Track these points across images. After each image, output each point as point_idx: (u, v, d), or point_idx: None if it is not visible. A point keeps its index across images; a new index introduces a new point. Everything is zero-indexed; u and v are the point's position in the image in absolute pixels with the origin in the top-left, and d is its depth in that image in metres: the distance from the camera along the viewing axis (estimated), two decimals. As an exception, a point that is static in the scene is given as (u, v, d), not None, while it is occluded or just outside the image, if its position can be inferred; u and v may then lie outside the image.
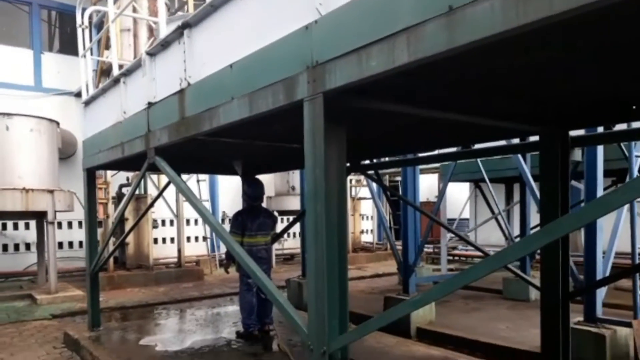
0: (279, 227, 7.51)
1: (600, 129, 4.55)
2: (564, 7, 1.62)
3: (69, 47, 12.12)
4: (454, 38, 1.91)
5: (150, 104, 4.44)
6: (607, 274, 4.86)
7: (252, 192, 5.77)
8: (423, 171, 13.14)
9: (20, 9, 12.38)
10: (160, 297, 9.24)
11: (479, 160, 8.86)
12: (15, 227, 11.68)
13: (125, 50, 9.59)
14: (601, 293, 4.81)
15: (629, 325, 4.63)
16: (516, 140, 5.77)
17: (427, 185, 16.10)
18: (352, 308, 6.22)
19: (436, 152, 6.29)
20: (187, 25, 3.78)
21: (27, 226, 11.61)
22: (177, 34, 3.91)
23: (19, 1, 12.25)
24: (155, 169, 4.63)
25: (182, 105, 3.91)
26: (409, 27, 2.08)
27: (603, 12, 1.64)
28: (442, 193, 8.73)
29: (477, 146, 5.43)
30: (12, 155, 8.79)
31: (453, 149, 6.62)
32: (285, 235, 9.59)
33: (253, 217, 5.67)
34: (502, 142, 5.90)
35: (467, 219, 16.84)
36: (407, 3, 2.10)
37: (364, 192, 15.15)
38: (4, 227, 11.54)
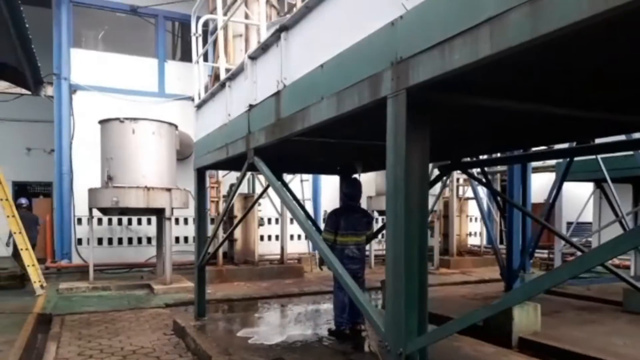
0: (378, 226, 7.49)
1: None
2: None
3: (189, 55, 13.14)
4: (538, 26, 1.79)
5: (251, 106, 4.68)
6: None
7: (350, 191, 5.81)
8: (538, 170, 12.27)
9: (147, 21, 13.68)
10: (262, 291, 9.67)
11: (599, 157, 8.08)
12: (139, 222, 12.93)
13: (238, 55, 10.12)
14: None
15: None
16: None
17: (543, 185, 15.01)
18: (449, 313, 6.08)
19: (546, 148, 5.83)
20: (284, 28, 3.93)
21: (148, 221, 12.79)
22: (275, 37, 4.08)
23: (146, 14, 13.52)
24: (255, 169, 4.85)
25: (278, 107, 4.07)
26: (492, 17, 1.99)
27: None
28: (555, 194, 8.11)
29: (598, 141, 4.95)
30: (137, 156, 9.75)
31: (565, 145, 6.07)
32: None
33: (348, 216, 5.70)
34: (623, 137, 5.32)
35: (590, 223, 15.46)
36: (489, -8, 2.01)
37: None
38: (130, 222, 12.82)
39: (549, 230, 5.49)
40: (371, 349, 5.23)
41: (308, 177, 12.88)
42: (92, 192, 9.87)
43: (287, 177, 11.41)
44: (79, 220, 12.27)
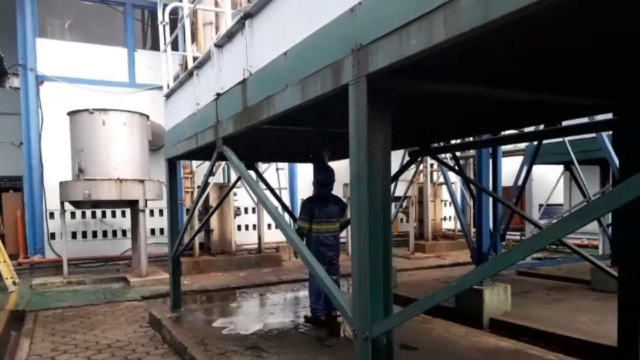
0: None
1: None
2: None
3: (159, 43, 12.94)
4: (489, 12, 1.81)
5: (218, 95, 4.64)
6: None
7: (323, 178, 5.83)
8: (510, 154, 12.48)
9: (115, 9, 13.37)
10: (240, 281, 9.67)
11: (566, 140, 8.26)
12: (113, 215, 12.75)
13: (209, 43, 9.95)
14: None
15: None
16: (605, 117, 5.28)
17: (516, 168, 15.29)
18: (420, 296, 6.16)
19: (515, 131, 5.91)
20: (248, 16, 3.89)
21: (123, 214, 12.62)
22: (240, 24, 4.04)
23: (114, 2, 13.22)
24: (225, 159, 4.83)
25: (245, 95, 4.04)
26: (446, 2, 2.00)
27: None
28: (525, 177, 8.27)
29: (564, 124, 5.02)
30: (108, 148, 9.60)
31: (531, 128, 6.17)
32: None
33: (321, 205, 5.73)
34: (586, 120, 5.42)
35: (561, 204, 15.83)
36: (443, -22, 2.02)
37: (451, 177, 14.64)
38: (104, 215, 12.64)
39: (516, 213, 5.59)
40: (345, 334, 5.29)
41: (284, 165, 12.86)
42: (63, 185, 9.68)
43: (262, 166, 11.40)
44: (51, 215, 12.04)
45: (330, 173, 5.87)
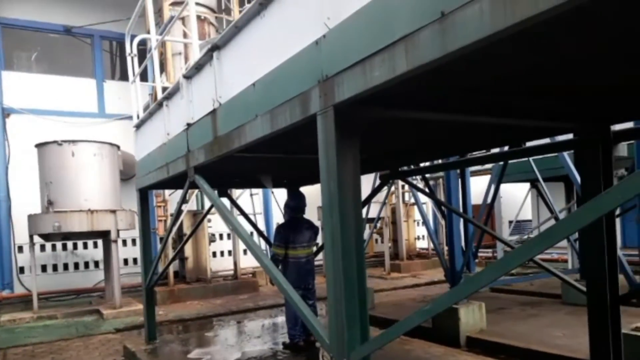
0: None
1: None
2: (549, 5, 1.58)
3: (128, 74, 12.91)
4: (446, 44, 1.90)
5: (188, 125, 4.65)
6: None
7: (294, 204, 5.86)
8: (479, 173, 12.78)
9: (82, 41, 13.31)
10: (217, 309, 9.54)
11: (531, 159, 8.52)
12: (85, 246, 12.47)
13: (178, 73, 10.05)
14: (660, 296, 4.48)
15: (693, 331, 4.27)
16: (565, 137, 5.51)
17: (485, 187, 15.65)
18: (398, 317, 6.19)
19: (480, 153, 6.10)
20: (215, 48, 3.94)
21: (95, 245, 12.35)
22: (208, 56, 4.08)
23: (81, 34, 13.15)
24: (197, 187, 4.82)
25: (215, 125, 4.07)
26: (406, 35, 2.08)
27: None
28: (493, 195, 8.46)
29: (528, 144, 5.22)
30: (78, 179, 9.44)
31: (496, 150, 6.39)
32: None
33: (295, 230, 5.75)
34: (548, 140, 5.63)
35: (530, 220, 16.19)
36: (403, 10, 2.09)
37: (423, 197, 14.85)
38: (75, 246, 12.35)
39: (483, 231, 5.71)
40: (324, 358, 5.25)
41: (258, 190, 12.83)
42: (32, 218, 9.45)
43: (236, 192, 11.37)
44: (20, 248, 11.71)
45: (301, 198, 5.92)
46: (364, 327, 2.67)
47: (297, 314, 5.60)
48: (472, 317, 6.31)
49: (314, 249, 5.99)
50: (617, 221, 8.98)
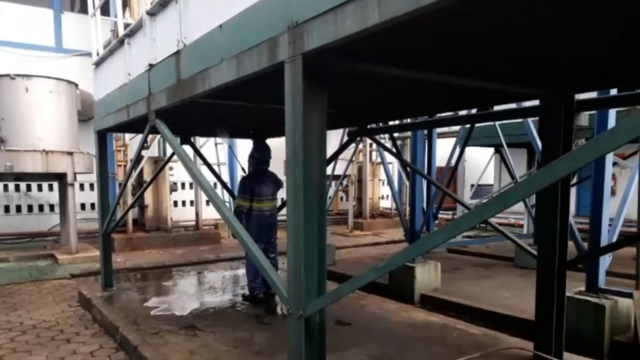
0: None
1: (614, 91, 4.32)
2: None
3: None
4: (420, -2, 1.81)
5: (151, 66, 4.44)
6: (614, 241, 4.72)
7: (259, 155, 5.77)
8: (445, 135, 12.90)
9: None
10: (176, 259, 9.47)
11: (497, 124, 8.62)
12: (40, 188, 12.07)
13: (143, 10, 9.51)
14: (605, 262, 4.67)
15: (631, 296, 4.51)
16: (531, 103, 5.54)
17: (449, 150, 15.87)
18: (357, 273, 6.31)
19: (449, 114, 6.09)
20: (182, -16, 3.72)
21: (50, 187, 11.97)
22: (174, -8, 3.86)
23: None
24: (157, 132, 4.65)
25: (178, 67, 3.89)
26: (381, -16, 1.98)
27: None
28: (457, 158, 8.57)
29: (495, 109, 5.24)
30: (32, 117, 9.00)
31: (464, 112, 6.38)
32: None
33: (260, 182, 5.69)
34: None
35: (492, 185, 16.61)
36: (379, -42, 1.99)
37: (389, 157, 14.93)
38: (29, 188, 11.93)
39: (445, 193, 5.79)
40: (283, 311, 5.33)
41: (223, 140, 12.58)
42: (-19, 156, 9.01)
43: (200, 141, 11.12)
44: (-31, 187, 11.25)
45: (267, 150, 5.83)
46: (321, 281, 2.68)
47: (257, 266, 5.66)
48: (427, 276, 6.50)
49: (278, 202, 5.95)
50: (573, 190, 9.28)
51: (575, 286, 4.82)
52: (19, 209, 11.95)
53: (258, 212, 5.65)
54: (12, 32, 11.59)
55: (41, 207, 12.15)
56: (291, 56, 2.53)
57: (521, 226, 11.80)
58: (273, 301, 5.73)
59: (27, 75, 9.02)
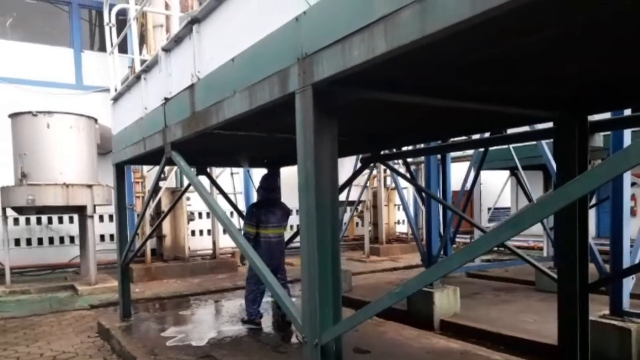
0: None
1: (628, 112, 4.30)
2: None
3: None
4: (426, 26, 1.86)
5: (166, 100, 4.55)
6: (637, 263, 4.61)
7: (267, 184, 5.89)
8: (459, 159, 12.87)
9: (60, 8, 12.89)
10: (194, 288, 9.49)
11: (511, 147, 8.58)
12: (60, 220, 12.27)
13: (159, 47, 9.80)
14: (628, 284, 4.57)
15: (658, 319, 4.39)
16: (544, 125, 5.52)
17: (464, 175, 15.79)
18: (373, 300, 6.25)
19: (462, 139, 6.10)
20: (195, 20, 3.83)
21: (70, 220, 12.16)
22: (188, 29, 3.98)
23: (59, 1, 12.74)
24: (174, 164, 4.74)
25: (193, 100, 3.98)
26: (386, 15, 2.03)
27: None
28: (472, 182, 8.52)
29: (509, 132, 5.22)
30: (53, 152, 9.22)
31: (477, 136, 6.39)
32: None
33: (267, 210, 5.80)
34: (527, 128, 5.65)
35: (509, 208, 16.42)
36: (384, -10, 2.05)
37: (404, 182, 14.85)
38: (50, 221, 12.14)
39: (460, 217, 5.75)
40: (299, 339, 5.29)
41: (239, 170, 12.72)
42: (4, 190, 9.22)
43: (216, 171, 11.26)
44: (-7, 221, 11.46)
45: (273, 178, 5.98)
46: (336, 308, 2.67)
47: (256, 292, 5.81)
48: (446, 301, 6.40)
49: (283, 230, 6.02)
50: (592, 212, 9.15)
51: (598, 310, 4.71)
52: (40, 241, 12.14)
53: (265, 239, 5.75)
54: (34, 71, 12.01)
55: (62, 239, 12.33)
56: (301, 87, 2.59)
57: (541, 249, 11.60)
58: (289, 329, 5.70)
59: (49, 112, 9.29)
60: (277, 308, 6.03)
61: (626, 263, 4.54)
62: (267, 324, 6.03)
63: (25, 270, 11.28)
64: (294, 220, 14.79)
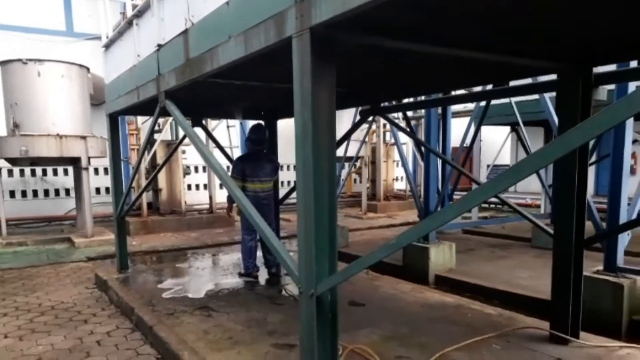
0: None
1: (634, 64, 4.17)
2: None
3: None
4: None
5: (159, 46, 4.39)
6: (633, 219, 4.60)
7: (255, 136, 5.80)
8: (460, 114, 12.71)
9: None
10: (191, 242, 9.54)
11: (513, 101, 8.43)
12: (55, 173, 12.18)
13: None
14: (623, 241, 4.57)
15: (651, 275, 4.41)
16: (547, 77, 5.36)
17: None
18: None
19: (463, 91, 5.95)
20: (189, -39, 3.64)
21: (65, 172, 12.07)
22: (181, -30, 3.78)
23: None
24: (168, 114, 4.62)
25: (187, 46, 3.84)
26: (392, -49, 1.89)
27: None
28: (472, 137, 8.43)
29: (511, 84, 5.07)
30: (45, 102, 9.03)
31: (478, 89, 6.20)
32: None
33: (255, 163, 5.74)
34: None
35: (508, 165, 16.38)
36: None
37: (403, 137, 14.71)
38: (45, 173, 12.05)
39: (461, 173, 5.69)
40: (289, 293, 5.34)
41: (235, 122, 12.55)
42: (-4, 140, 9.10)
43: (212, 123, 11.10)
44: (-15, 172, 11.38)
45: (262, 131, 5.88)
46: (332, 260, 2.65)
47: (252, 245, 5.85)
48: (441, 257, 6.43)
49: (271, 184, 5.99)
50: (591, 169, 9.11)
51: (593, 266, 4.73)
52: (35, 193, 12.10)
53: (253, 193, 5.68)
54: (23, 17, 11.59)
55: (57, 192, 12.28)
56: (299, 31, 2.46)
57: (538, 206, 11.63)
58: (278, 283, 5.79)
59: (39, 60, 9.03)
60: (266, 262, 6.06)
61: (622, 220, 4.53)
62: (265, 276, 6.07)
63: (21, 222, 11.30)
64: (291, 176, 14.79)
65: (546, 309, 4.04)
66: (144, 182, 9.74)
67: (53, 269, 7.52)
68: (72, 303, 5.67)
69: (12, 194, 11.70)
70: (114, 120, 6.39)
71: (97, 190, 12.45)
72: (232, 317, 4.55)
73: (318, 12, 2.31)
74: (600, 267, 4.65)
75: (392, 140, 14.84)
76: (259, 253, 6.09)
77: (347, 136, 5.70)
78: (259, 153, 5.82)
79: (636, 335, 4.39)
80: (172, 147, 10.97)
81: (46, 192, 12.21)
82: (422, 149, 7.01)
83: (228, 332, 4.14)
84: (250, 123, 13.30)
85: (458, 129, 10.43)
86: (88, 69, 9.84)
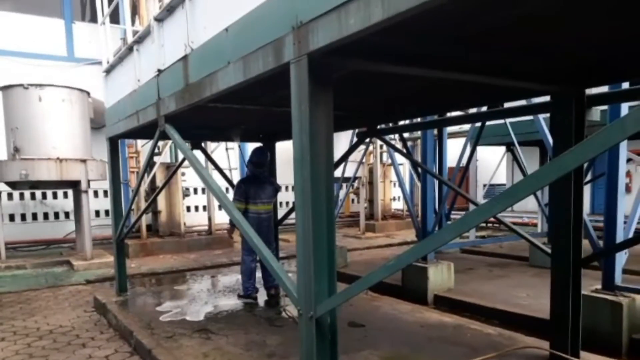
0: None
1: (626, 85, 4.25)
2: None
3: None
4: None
5: (159, 71, 4.47)
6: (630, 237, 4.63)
7: (256, 159, 5.88)
8: (456, 135, 12.82)
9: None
10: (190, 263, 9.52)
11: (507, 122, 8.53)
12: (55, 196, 12.20)
13: (152, 16, 9.59)
14: (621, 259, 4.59)
15: (650, 293, 4.43)
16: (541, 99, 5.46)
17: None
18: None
19: (457, 113, 6.03)
20: (188, -12, 3.74)
21: (65, 195, 12.09)
22: (180, -3, 3.88)
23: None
24: (168, 137, 4.68)
25: (186, 72, 3.91)
26: (384, -19, 1.97)
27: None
28: (468, 157, 8.50)
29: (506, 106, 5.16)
30: (45, 126, 9.10)
31: (473, 110, 6.32)
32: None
33: (257, 186, 5.81)
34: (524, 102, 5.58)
35: (505, 185, 16.46)
36: (383, -45, 1.98)
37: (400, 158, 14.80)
38: (44, 196, 12.07)
39: (456, 192, 5.73)
40: (289, 314, 5.33)
41: (234, 145, 12.63)
42: (-3, 164, 9.14)
43: (211, 146, 11.17)
44: (-14, 196, 11.40)
45: (263, 154, 5.96)
46: (331, 281, 2.67)
47: (252, 267, 5.87)
48: (440, 277, 6.44)
49: (271, 206, 6.07)
50: (587, 188, 9.18)
51: (591, 285, 4.74)
52: (34, 216, 12.09)
53: (255, 215, 5.76)
54: (24, 42, 11.76)
55: (56, 215, 12.28)
56: (297, 56, 2.53)
57: (535, 225, 11.66)
58: (278, 306, 5.79)
59: (40, 85, 9.14)
60: (265, 283, 6.07)
61: (619, 238, 4.55)
62: (264, 298, 6.06)
63: (20, 245, 11.26)
64: (289, 197, 14.82)
65: (546, 329, 4.04)
66: (143, 205, 9.75)
67: (51, 292, 7.49)
68: (71, 327, 5.64)
69: (11, 217, 11.69)
70: (114, 143, 6.45)
71: (97, 213, 12.45)
72: (231, 339, 4.54)
73: (315, 38, 2.38)
74: (599, 286, 4.66)
75: (389, 161, 14.98)
76: (259, 274, 6.10)
77: (344, 157, 5.76)
78: (260, 175, 5.89)
79: (637, 354, 4.39)
80: (172, 170, 11.04)
81: (45, 215, 12.21)
82: (419, 169, 7.07)
83: (227, 355, 4.13)
84: (250, 145, 13.46)
85: (454, 149, 10.51)
86: (88, 94, 9.94)
